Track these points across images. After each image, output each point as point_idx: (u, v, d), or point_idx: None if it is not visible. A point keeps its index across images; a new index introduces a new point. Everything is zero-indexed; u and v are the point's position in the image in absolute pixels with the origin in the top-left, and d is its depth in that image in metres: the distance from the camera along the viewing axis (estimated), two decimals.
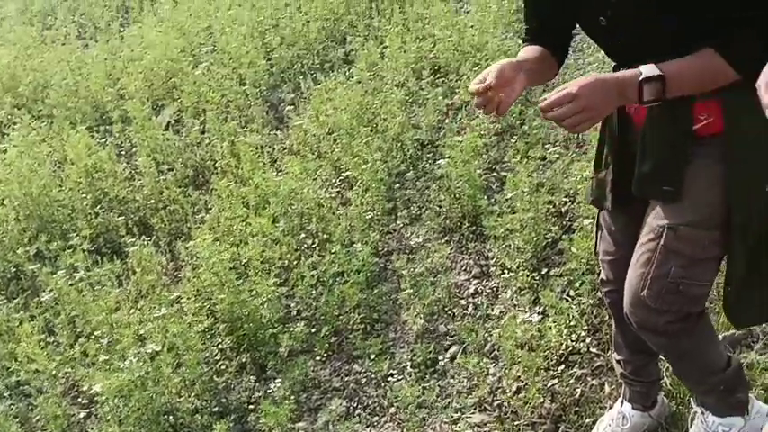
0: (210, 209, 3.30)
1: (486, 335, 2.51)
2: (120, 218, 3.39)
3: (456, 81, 3.89)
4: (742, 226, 1.45)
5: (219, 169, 3.56)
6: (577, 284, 2.52)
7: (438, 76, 4.03)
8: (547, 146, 3.20)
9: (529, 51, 1.61)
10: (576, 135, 3.19)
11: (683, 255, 1.47)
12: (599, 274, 1.85)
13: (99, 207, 3.54)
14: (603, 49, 1.61)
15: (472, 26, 4.24)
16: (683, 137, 1.46)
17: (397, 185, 3.30)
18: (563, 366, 2.30)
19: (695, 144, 1.46)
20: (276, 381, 2.53)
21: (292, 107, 4.03)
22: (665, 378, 2.08)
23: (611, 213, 1.70)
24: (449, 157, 3.22)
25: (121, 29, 5.31)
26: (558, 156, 3.12)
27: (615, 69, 1.57)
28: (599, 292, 2.25)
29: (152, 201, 3.46)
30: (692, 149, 1.47)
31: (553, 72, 1.66)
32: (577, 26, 1.62)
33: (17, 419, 2.61)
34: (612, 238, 1.72)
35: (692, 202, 1.47)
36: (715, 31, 1.36)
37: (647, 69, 1.35)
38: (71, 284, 2.93)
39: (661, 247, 1.48)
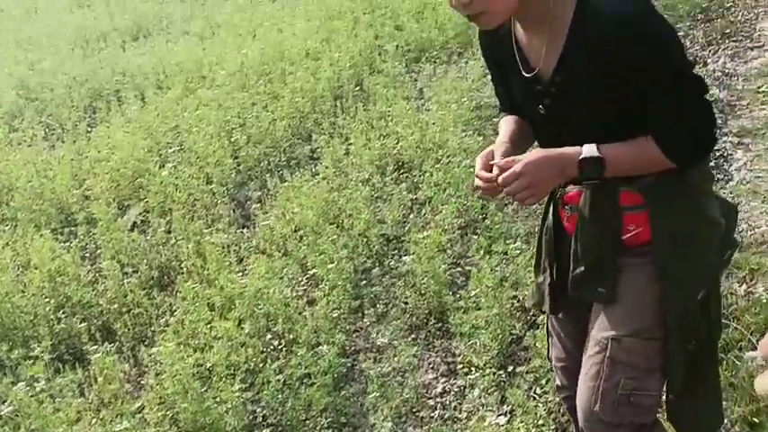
0: (175, 311, 3.27)
1: None
2: (83, 324, 3.34)
3: (419, 176, 3.98)
4: (678, 332, 1.49)
5: (185, 270, 3.54)
6: (543, 382, 2.52)
7: (402, 171, 4.12)
8: (509, 241, 3.25)
9: (509, 122, 1.68)
10: (534, 230, 3.26)
11: (629, 365, 1.50)
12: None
13: (62, 312, 3.48)
14: (540, 136, 1.65)
15: (434, 123, 4.37)
16: (613, 247, 1.52)
17: (364, 282, 3.31)
18: None
19: (625, 253, 1.52)
20: None
21: (259, 205, 4.07)
22: None
23: (559, 320, 1.74)
24: (414, 254, 3.26)
25: (89, 129, 5.35)
26: (519, 251, 3.16)
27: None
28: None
29: (116, 305, 3.42)
30: (622, 258, 1.52)
31: (530, 142, 1.71)
32: None
33: None
34: (562, 345, 1.76)
35: (630, 311, 1.51)
36: (650, 123, 1.43)
37: (588, 150, 1.43)
38: (32, 396, 2.84)
39: (607, 359, 1.51)
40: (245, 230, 3.90)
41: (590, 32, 1.39)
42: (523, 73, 1.51)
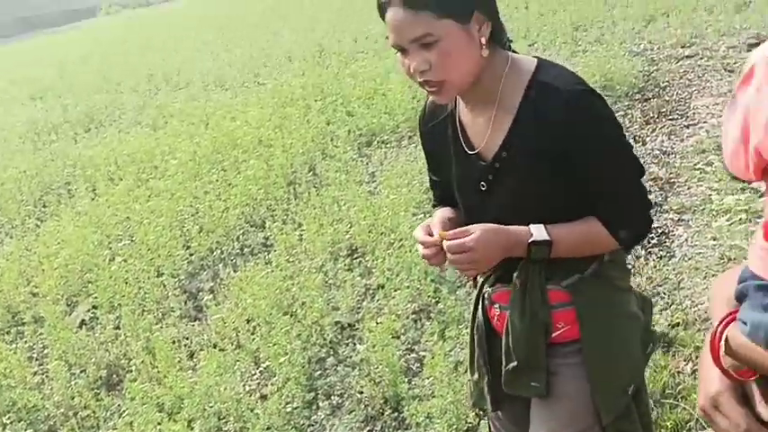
0: (123, 413, 3.17)
1: None
2: (29, 430, 3.21)
3: (373, 262, 3.99)
4: (614, 428, 1.51)
5: (134, 368, 3.45)
6: None
7: (355, 257, 4.13)
8: (461, 325, 3.26)
9: (443, 210, 1.68)
10: None
11: None
12: None
13: (7, 418, 3.35)
14: (475, 217, 1.62)
15: (386, 207, 4.42)
16: (544, 343, 1.54)
17: (318, 373, 3.26)
18: None
19: (556, 351, 1.54)
20: None
21: (211, 296, 4.02)
22: None
23: (500, 419, 1.74)
24: (368, 341, 3.24)
25: (38, 224, 5.29)
26: None
27: None
28: None
29: (62, 408, 3.30)
30: (553, 357, 1.55)
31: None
32: None
33: None
34: None
35: (567, 410, 1.53)
36: (594, 203, 1.47)
37: (537, 232, 1.45)
38: None
39: None
40: (196, 323, 3.84)
41: (538, 114, 1.42)
42: (466, 150, 1.53)
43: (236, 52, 12.23)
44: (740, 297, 0.91)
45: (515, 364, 1.56)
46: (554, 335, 1.54)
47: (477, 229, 1.44)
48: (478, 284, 1.68)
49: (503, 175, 1.49)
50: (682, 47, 7.19)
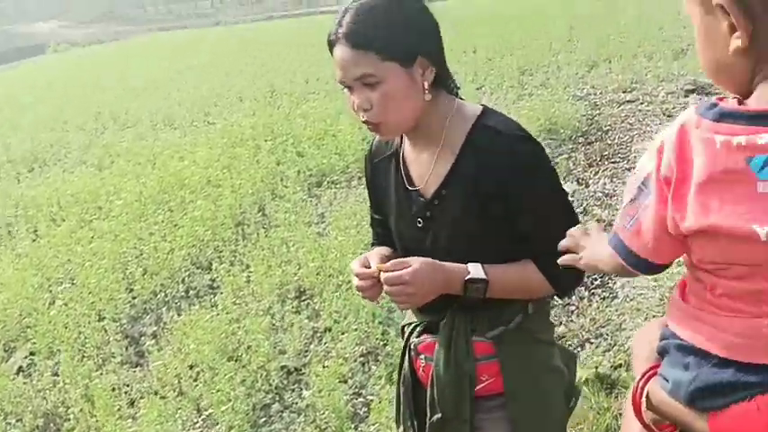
0: None
1: None
2: None
3: (321, 304, 3.96)
4: None
5: (72, 417, 3.33)
6: None
7: (303, 299, 4.10)
8: None
9: (382, 249, 1.67)
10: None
11: None
12: None
13: None
14: (410, 254, 1.61)
15: (335, 249, 4.41)
16: (467, 397, 1.54)
17: (263, 420, 3.20)
18: None
19: (480, 405, 1.55)
20: None
21: (154, 341, 3.92)
22: None
23: None
24: (314, 386, 3.20)
25: None
26: None
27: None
28: None
29: None
30: (478, 411, 1.55)
31: None
32: None
33: None
34: None
35: None
36: (531, 247, 1.48)
37: (474, 270, 1.45)
38: None
39: None
40: (137, 369, 3.74)
41: (479, 155, 1.46)
42: (407, 186, 1.55)
43: (186, 91, 12.18)
44: (662, 352, 0.93)
45: (440, 416, 1.55)
46: (478, 387, 1.54)
47: (415, 262, 1.44)
48: (405, 335, 1.67)
49: (440, 212, 1.51)
50: (623, 92, 7.43)
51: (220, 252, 4.81)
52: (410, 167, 1.57)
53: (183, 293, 4.40)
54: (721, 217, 0.77)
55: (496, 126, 1.47)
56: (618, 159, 5.47)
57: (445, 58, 1.52)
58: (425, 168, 1.53)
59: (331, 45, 1.44)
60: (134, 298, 4.37)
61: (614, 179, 5.07)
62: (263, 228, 5.11)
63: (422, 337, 1.60)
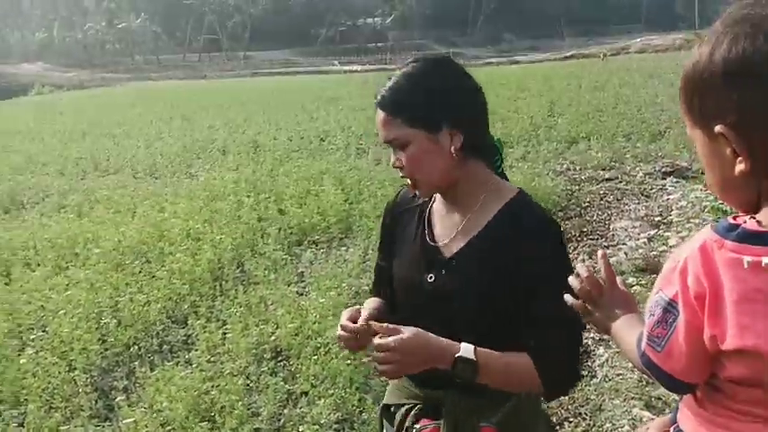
0: None
1: None
2: None
3: (297, 366, 3.91)
4: None
5: None
6: None
7: (279, 360, 4.05)
8: None
9: (375, 301, 1.73)
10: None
11: None
12: None
13: None
14: (410, 306, 1.63)
15: (314, 309, 4.39)
16: None
17: None
18: None
19: None
20: None
21: (125, 396, 3.83)
22: None
23: None
24: None
25: None
26: None
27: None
28: None
29: None
30: None
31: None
32: None
33: None
34: None
35: None
36: (530, 336, 1.46)
37: (465, 350, 1.43)
38: None
39: None
40: (106, 424, 3.64)
41: (512, 226, 1.50)
42: (427, 240, 1.59)
43: (169, 142, 12.22)
44: None
45: None
46: None
47: (407, 332, 1.42)
48: (396, 421, 1.63)
49: (454, 272, 1.53)
50: (602, 169, 7.61)
51: (197, 307, 4.75)
52: (435, 224, 1.62)
53: (156, 348, 4.33)
54: (763, 340, 0.78)
55: (531, 206, 1.56)
56: (596, 236, 5.56)
57: (483, 124, 1.59)
58: (451, 228, 1.58)
59: (375, 107, 1.56)
60: (106, 350, 4.28)
61: (593, 256, 5.13)
62: (242, 284, 5.08)
63: (421, 423, 1.57)
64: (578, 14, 68.22)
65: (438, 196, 1.64)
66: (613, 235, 5.55)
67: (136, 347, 4.31)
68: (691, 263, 0.83)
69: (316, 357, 3.89)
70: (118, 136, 13.61)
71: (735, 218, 0.84)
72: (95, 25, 62.70)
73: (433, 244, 1.59)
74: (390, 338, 1.41)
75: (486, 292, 1.50)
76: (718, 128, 0.80)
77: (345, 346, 1.55)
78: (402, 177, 1.57)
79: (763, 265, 0.78)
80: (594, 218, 6.03)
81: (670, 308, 0.87)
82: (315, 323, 4.21)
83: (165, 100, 21.40)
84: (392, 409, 1.68)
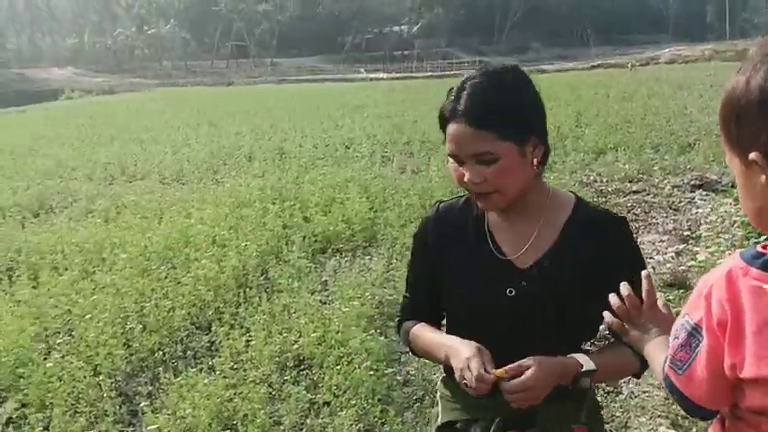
0: None
1: None
2: None
3: (320, 376, 3.91)
4: None
5: None
6: None
7: (302, 369, 4.05)
8: None
9: (438, 332, 1.67)
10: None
11: None
12: None
13: None
14: (486, 322, 1.59)
15: (337, 319, 4.39)
16: None
17: None
18: None
19: None
20: None
21: (149, 401, 3.85)
22: None
23: None
24: None
25: None
26: None
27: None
28: None
29: None
30: None
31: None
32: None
33: None
34: None
35: None
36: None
37: (586, 363, 1.48)
38: None
39: None
40: (129, 429, 3.66)
41: (587, 231, 1.55)
42: (498, 256, 1.58)
43: (196, 148, 12.33)
44: None
45: None
46: None
47: (532, 364, 1.44)
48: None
49: (536, 282, 1.54)
50: (630, 181, 7.53)
51: (221, 314, 4.78)
52: (499, 238, 1.60)
53: (180, 353, 4.35)
54: None
55: (597, 208, 1.63)
56: None
57: (548, 136, 1.59)
58: (521, 241, 1.57)
59: (446, 120, 1.50)
60: (131, 355, 4.31)
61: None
62: (266, 292, 5.09)
63: None
64: (606, 24, 67.84)
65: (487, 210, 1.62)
66: (641, 248, 5.49)
67: (160, 353, 4.34)
68: (715, 289, 0.83)
69: (338, 367, 3.88)
70: (145, 141, 13.77)
71: (765, 246, 0.83)
72: (125, 31, 63.59)
73: (505, 258, 1.58)
74: (524, 377, 1.43)
75: (567, 299, 1.53)
76: (752, 155, 0.79)
77: (476, 392, 1.46)
78: (474, 193, 1.53)
79: None
80: None
81: (695, 332, 0.88)
82: (338, 332, 4.20)
83: (192, 106, 21.62)
84: (458, 425, 1.65)
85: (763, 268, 0.79)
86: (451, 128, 1.48)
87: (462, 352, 1.48)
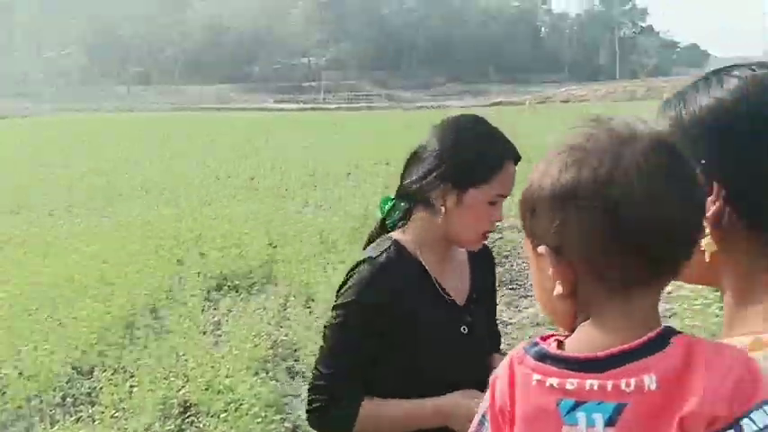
0: None
1: None
2: None
3: (207, 423, 3.77)
4: None
5: None
6: None
7: (188, 416, 3.89)
8: None
9: (397, 401, 1.54)
10: None
11: None
12: None
13: None
14: (453, 364, 1.55)
15: (227, 362, 4.26)
16: None
17: None
18: None
19: None
20: None
21: None
22: None
23: None
24: None
25: None
26: None
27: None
28: None
29: None
30: None
31: None
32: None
33: None
34: None
35: None
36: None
37: None
38: None
39: None
40: None
41: (480, 262, 1.68)
42: (446, 299, 1.60)
43: (88, 178, 11.87)
44: None
45: None
46: None
47: None
48: None
49: (476, 314, 1.62)
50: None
51: (105, 357, 4.55)
52: (442, 282, 1.62)
53: (59, 401, 4.11)
54: None
55: None
56: (516, 286, 5.62)
57: None
58: (454, 279, 1.63)
59: (498, 160, 1.51)
60: (6, 403, 4.04)
61: (511, 307, 5.19)
62: (154, 333, 4.90)
63: None
64: (508, 64, 70.58)
65: (421, 254, 1.58)
66: (532, 286, 5.64)
67: (37, 401, 4.08)
68: (499, 376, 0.86)
69: (225, 414, 3.75)
70: (33, 171, 13.15)
71: (544, 337, 0.85)
72: (21, 55, 61.10)
73: (450, 299, 1.61)
74: None
75: (489, 320, 1.72)
76: (540, 249, 0.82)
77: None
78: (485, 233, 1.57)
79: (547, 385, 0.79)
80: (515, 267, 6.11)
81: (483, 420, 0.89)
82: (227, 377, 4.08)
83: (84, 132, 20.87)
84: None
85: (536, 358, 0.82)
86: (510, 168, 1.52)
87: (463, 400, 1.47)
